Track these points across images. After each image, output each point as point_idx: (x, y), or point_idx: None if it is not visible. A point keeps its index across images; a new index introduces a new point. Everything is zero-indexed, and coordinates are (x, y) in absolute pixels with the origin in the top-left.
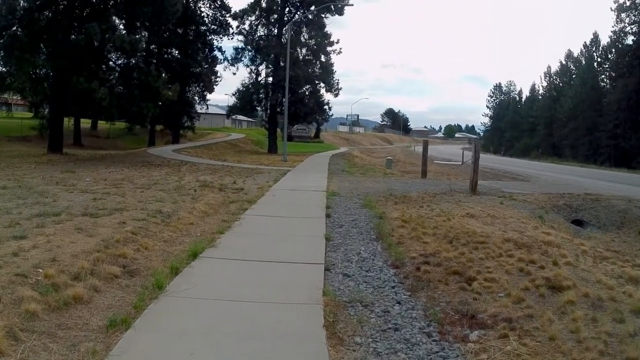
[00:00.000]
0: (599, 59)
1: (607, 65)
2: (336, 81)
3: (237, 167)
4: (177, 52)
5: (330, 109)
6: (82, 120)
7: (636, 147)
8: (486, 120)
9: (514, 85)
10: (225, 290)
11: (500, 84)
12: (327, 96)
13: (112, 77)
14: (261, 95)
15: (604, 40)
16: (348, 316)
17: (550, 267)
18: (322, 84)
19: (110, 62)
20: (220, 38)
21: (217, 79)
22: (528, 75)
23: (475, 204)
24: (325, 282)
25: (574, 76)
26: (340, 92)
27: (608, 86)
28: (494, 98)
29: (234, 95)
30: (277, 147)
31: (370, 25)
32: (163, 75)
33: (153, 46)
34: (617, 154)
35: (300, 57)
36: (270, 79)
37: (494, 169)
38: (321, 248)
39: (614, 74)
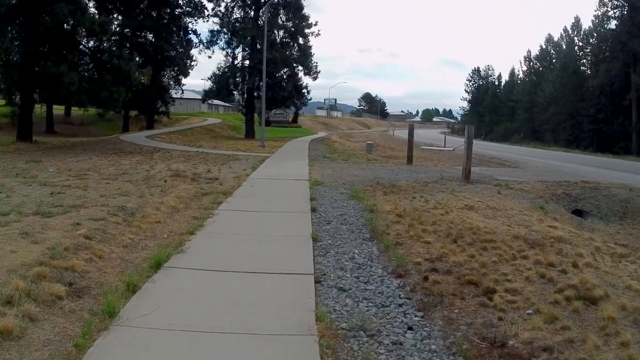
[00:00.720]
0: (580, 43)
1: (588, 50)
2: (314, 64)
3: (212, 154)
4: (151, 35)
5: (308, 92)
6: (55, 107)
7: (618, 132)
8: (465, 104)
9: (492, 69)
10: (192, 316)
11: (478, 68)
12: (306, 80)
13: (82, 61)
14: (238, 79)
15: (586, 24)
16: (351, 352)
17: (571, 270)
18: (300, 67)
19: (81, 46)
20: (195, 20)
21: (192, 63)
22: (506, 60)
23: (471, 194)
24: (318, 301)
25: (554, 60)
26: (318, 76)
27: (589, 71)
28: (472, 82)
29: (209, 79)
30: (255, 132)
31: (346, 10)
32: (136, 58)
33: (127, 30)
34: (599, 138)
35: (278, 40)
36: (247, 62)
37: (478, 154)
38: (308, 252)
39: (595, 59)
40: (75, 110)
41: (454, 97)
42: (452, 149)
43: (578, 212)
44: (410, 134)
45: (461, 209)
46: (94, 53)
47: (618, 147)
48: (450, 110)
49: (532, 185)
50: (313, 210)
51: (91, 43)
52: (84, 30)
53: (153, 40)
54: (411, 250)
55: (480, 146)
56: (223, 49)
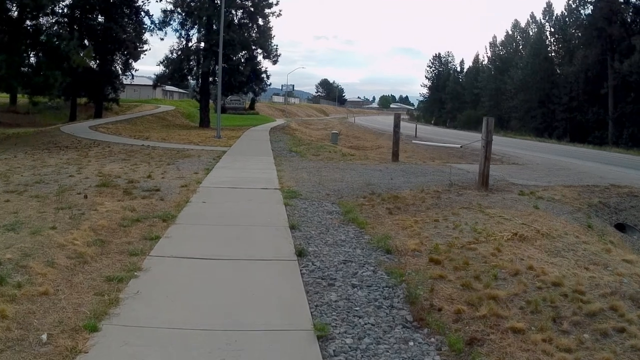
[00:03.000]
0: (552, 29)
1: (560, 36)
2: (275, 47)
3: (159, 148)
4: (102, 18)
5: (268, 77)
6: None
7: (593, 121)
8: (425, 91)
9: (452, 56)
10: None
11: (439, 54)
12: (265, 64)
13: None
14: (192, 63)
15: (557, 10)
16: None
17: None
18: (259, 50)
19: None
20: (148, 0)
21: (144, 46)
22: (466, 47)
23: (502, 209)
24: None
25: (520, 47)
26: (279, 59)
27: (560, 58)
28: (432, 69)
29: (161, 63)
30: (210, 121)
31: None
32: (76, 38)
33: (77, 11)
34: (572, 128)
35: (236, 21)
36: (203, 44)
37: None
38: None
39: (568, 45)
40: (22, 98)
41: (409, 84)
42: (459, 146)
43: (620, 227)
44: (397, 125)
45: (511, 240)
46: (29, 32)
47: (593, 137)
48: (407, 97)
49: (559, 192)
50: (299, 254)
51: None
52: (14, 4)
53: (102, 20)
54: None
55: (454, 135)
56: (176, 30)
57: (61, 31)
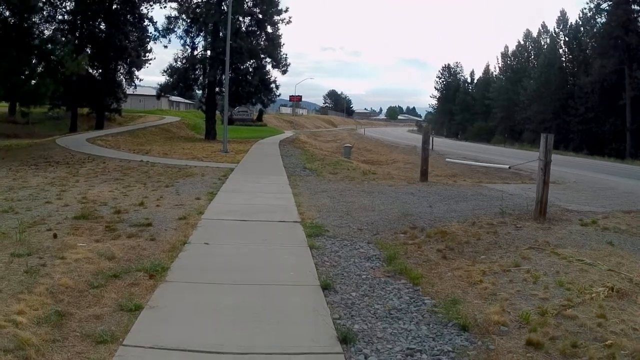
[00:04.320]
0: (566, 38)
1: (574, 46)
2: (284, 56)
3: (159, 165)
4: (104, 25)
5: (277, 87)
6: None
7: (610, 132)
8: (434, 102)
9: (461, 66)
10: None
11: (449, 65)
12: (274, 73)
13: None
14: (198, 72)
15: (572, 19)
16: None
17: None
18: (268, 59)
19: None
20: (151, 6)
21: (148, 55)
22: (474, 58)
23: (575, 247)
24: None
25: (530, 57)
26: (288, 69)
27: (574, 68)
28: (442, 79)
29: (165, 72)
30: (216, 133)
31: (309, 8)
32: (70, 43)
33: (78, 18)
34: (589, 139)
35: (243, 28)
36: (209, 53)
37: (477, 159)
38: None
39: (584, 55)
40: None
41: (416, 95)
42: (507, 167)
43: None
44: (426, 141)
45: (609, 298)
46: (18, 35)
47: (610, 149)
48: (414, 108)
49: (622, 219)
50: (344, 339)
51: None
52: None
53: (104, 28)
54: None
55: (466, 148)
56: (181, 37)
57: (58, 35)
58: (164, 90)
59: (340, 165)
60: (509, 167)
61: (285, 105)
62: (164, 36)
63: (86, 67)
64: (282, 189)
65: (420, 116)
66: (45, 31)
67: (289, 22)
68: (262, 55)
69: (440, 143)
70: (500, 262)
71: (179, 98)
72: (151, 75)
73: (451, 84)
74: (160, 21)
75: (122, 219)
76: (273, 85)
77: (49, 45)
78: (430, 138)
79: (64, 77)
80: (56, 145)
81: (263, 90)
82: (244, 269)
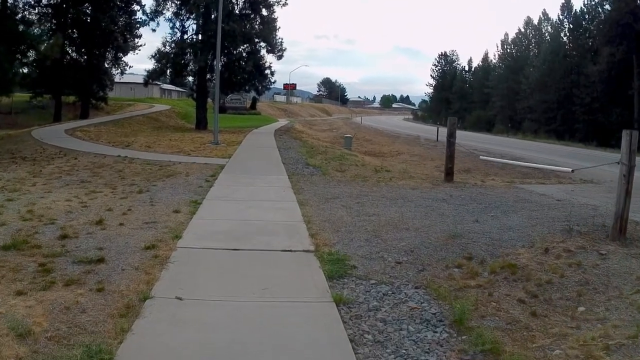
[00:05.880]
0: (570, 26)
1: (579, 33)
2: (280, 40)
3: (138, 161)
4: (89, 8)
5: (272, 74)
6: None
7: (617, 123)
8: (429, 90)
9: (457, 55)
10: None
11: (445, 52)
12: (269, 59)
13: None
14: (188, 57)
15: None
16: None
17: None
18: (262, 44)
19: None
20: None
21: (137, 41)
22: (467, 46)
23: None
24: None
25: (531, 45)
26: (284, 54)
27: (579, 56)
28: (438, 67)
29: (153, 57)
30: (208, 122)
31: None
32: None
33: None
34: (595, 130)
35: (237, 11)
36: (200, 37)
37: (488, 152)
38: None
39: (590, 43)
40: (6, 96)
41: (409, 83)
42: (570, 170)
43: None
44: (452, 134)
45: None
46: None
47: (616, 140)
48: (407, 97)
49: None
50: None
51: None
52: None
53: (89, 12)
54: None
55: (468, 138)
56: (170, 20)
57: (29, 17)
58: (151, 77)
59: (347, 160)
60: (572, 171)
61: (279, 94)
62: (152, 19)
63: (58, 49)
64: (283, 195)
65: (414, 104)
66: (29, 16)
67: (285, 4)
68: (257, 40)
69: (442, 133)
70: (613, 321)
71: (171, 86)
72: (143, 64)
73: (448, 72)
74: (149, 3)
75: (67, 249)
76: (268, 71)
77: (21, 27)
78: (437, 129)
79: (36, 62)
80: (30, 137)
81: (257, 76)
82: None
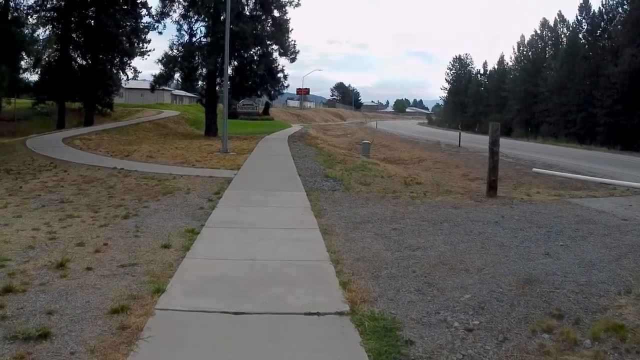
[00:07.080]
0: (589, 27)
1: (598, 34)
2: (292, 42)
3: (134, 175)
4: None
5: (285, 77)
6: None
7: (639, 126)
8: (444, 94)
9: (471, 58)
10: None
11: (459, 56)
12: (282, 62)
13: None
14: (197, 60)
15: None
16: None
17: None
18: (275, 46)
19: None
20: None
21: (144, 45)
22: (481, 49)
23: None
24: None
25: (547, 47)
26: (297, 57)
27: (599, 58)
28: (452, 71)
29: (160, 61)
30: (218, 128)
31: (314, 0)
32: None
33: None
34: (616, 134)
35: (247, 12)
36: (209, 39)
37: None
38: None
39: (611, 44)
40: (7, 103)
41: (422, 87)
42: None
43: None
44: (495, 142)
45: None
46: None
47: (638, 144)
48: (421, 101)
49: None
50: None
51: None
52: None
53: (93, 14)
54: None
55: (485, 142)
56: (177, 22)
57: (21, 17)
58: (158, 82)
59: (369, 170)
60: None
61: (292, 99)
62: (158, 21)
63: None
64: (301, 219)
65: (427, 109)
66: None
67: (297, 4)
68: (269, 42)
69: (464, 137)
70: None
71: (182, 91)
72: (153, 69)
73: (462, 76)
74: (155, 6)
75: (4, 313)
76: (281, 75)
77: (12, 28)
78: (459, 134)
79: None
80: (23, 147)
81: (270, 80)
82: None
